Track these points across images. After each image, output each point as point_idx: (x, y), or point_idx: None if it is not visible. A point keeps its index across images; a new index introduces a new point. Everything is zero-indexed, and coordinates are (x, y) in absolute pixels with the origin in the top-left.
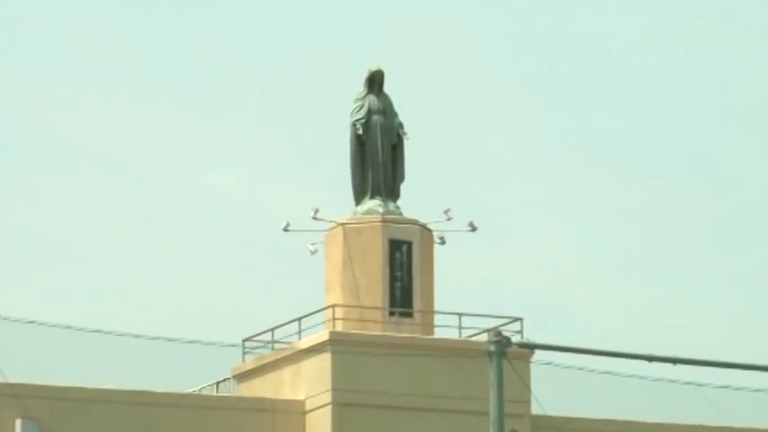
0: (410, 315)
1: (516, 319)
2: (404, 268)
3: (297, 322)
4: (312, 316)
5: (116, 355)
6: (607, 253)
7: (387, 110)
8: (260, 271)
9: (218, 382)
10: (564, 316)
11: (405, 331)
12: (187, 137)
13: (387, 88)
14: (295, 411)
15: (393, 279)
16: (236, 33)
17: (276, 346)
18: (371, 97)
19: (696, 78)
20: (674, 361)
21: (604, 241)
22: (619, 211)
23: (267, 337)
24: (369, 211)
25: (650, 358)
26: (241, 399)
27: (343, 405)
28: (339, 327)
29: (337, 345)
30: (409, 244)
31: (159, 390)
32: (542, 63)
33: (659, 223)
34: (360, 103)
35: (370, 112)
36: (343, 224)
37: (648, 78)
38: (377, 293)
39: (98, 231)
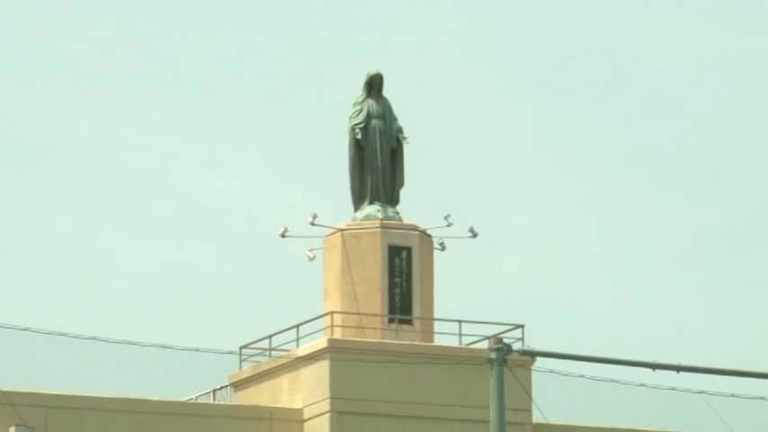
0: (409, 322)
1: (517, 326)
2: (403, 274)
3: (295, 329)
4: (310, 323)
5: (111, 363)
6: (609, 259)
7: (386, 114)
8: (257, 277)
9: (214, 390)
10: (566, 323)
11: (404, 338)
12: (184, 140)
13: (386, 92)
14: (293, 420)
15: (392, 285)
16: (234, 35)
17: (274, 353)
18: (370, 101)
19: (704, 82)
20: (678, 368)
21: (607, 247)
22: (622, 217)
23: (264, 344)
24: (368, 217)
25: (653, 366)
26: (238, 407)
27: (341, 413)
28: (337, 334)
29: (336, 352)
30: (409, 250)
31: (155, 398)
32: (545, 66)
33: (663, 229)
34: (359, 107)
35: (369, 117)
36: (341, 230)
37: (654, 82)
38: (376, 300)
39: (93, 237)
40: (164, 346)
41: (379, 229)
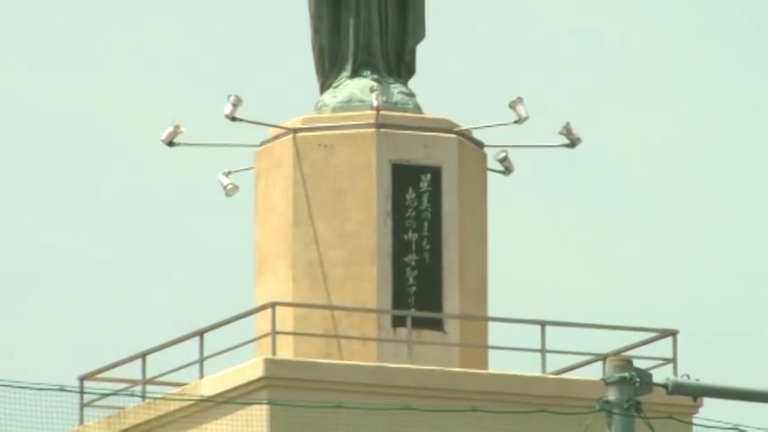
0: (436, 326)
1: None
2: (424, 224)
3: (197, 337)
4: (224, 328)
5: None
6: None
7: None
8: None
9: None
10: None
11: (428, 360)
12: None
13: None
14: None
15: (400, 248)
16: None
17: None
18: None
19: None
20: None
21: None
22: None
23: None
24: (350, 102)
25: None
26: None
27: None
28: (285, 350)
29: (279, 388)
30: (436, 171)
31: None
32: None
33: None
34: None
35: None
36: (294, 130)
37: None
38: (366, 276)
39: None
40: None
41: (372, 130)
